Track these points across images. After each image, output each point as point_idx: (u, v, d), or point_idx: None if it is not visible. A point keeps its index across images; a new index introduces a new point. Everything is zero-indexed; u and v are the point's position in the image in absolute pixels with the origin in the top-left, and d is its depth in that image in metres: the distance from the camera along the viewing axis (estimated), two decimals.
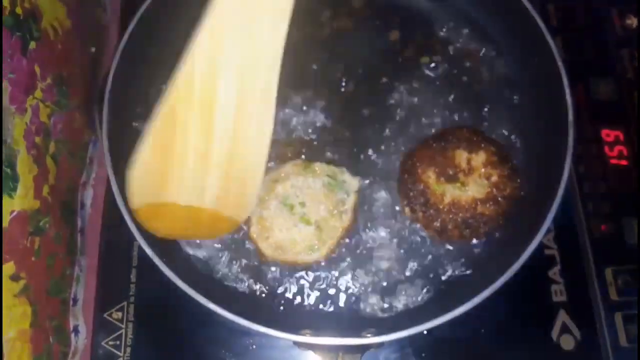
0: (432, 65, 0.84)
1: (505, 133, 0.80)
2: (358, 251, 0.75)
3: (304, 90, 0.82)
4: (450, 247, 0.75)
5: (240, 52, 0.59)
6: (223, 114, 0.61)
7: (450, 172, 0.73)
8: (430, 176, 0.73)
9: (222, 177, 0.65)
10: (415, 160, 0.75)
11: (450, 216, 0.72)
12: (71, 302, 0.81)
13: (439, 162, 0.74)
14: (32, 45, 0.72)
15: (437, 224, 0.72)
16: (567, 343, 0.77)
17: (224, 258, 0.75)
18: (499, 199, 0.72)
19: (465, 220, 0.72)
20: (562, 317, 0.78)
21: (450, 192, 0.72)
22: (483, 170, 0.73)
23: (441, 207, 0.72)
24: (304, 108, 0.81)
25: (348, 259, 0.75)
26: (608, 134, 0.87)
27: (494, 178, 0.73)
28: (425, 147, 0.76)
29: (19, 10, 0.69)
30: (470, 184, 0.73)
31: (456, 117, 0.81)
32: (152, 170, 0.63)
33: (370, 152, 0.80)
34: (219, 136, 0.62)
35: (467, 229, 0.72)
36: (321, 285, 0.74)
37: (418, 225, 0.75)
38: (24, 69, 0.70)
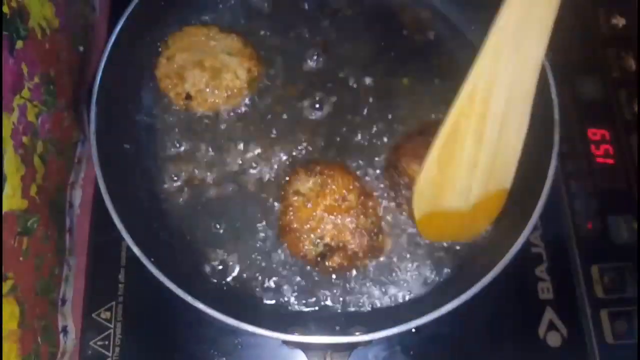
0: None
1: None
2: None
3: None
4: (436, 245, 0.75)
5: (511, 68, 0.65)
6: (493, 123, 0.67)
7: None
8: (415, 169, 0.74)
9: (484, 180, 0.70)
10: (400, 154, 0.75)
11: None
12: (59, 302, 0.80)
13: (423, 155, 0.74)
14: (20, 44, 0.71)
15: None
16: (554, 340, 0.78)
17: (212, 256, 0.75)
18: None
19: None
20: (549, 314, 0.79)
21: None
22: None
23: None
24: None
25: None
26: (594, 133, 0.88)
27: None
28: (409, 140, 0.76)
29: (5, 9, 0.68)
30: None
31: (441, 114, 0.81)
32: (433, 182, 0.69)
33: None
34: (487, 143, 0.67)
35: None
36: (310, 284, 0.74)
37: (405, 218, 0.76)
38: (11, 68, 0.69)
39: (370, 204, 0.74)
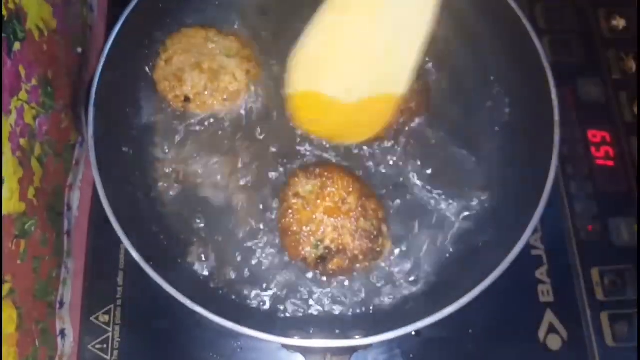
0: None
1: (493, 132, 0.81)
2: None
3: None
4: (436, 248, 0.75)
5: None
6: (382, 14, 0.62)
7: None
8: None
9: (372, 79, 0.65)
10: None
11: None
12: (58, 305, 0.80)
13: None
14: (17, 46, 0.71)
15: None
16: (554, 343, 0.78)
17: (210, 259, 0.75)
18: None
19: None
20: (549, 317, 0.79)
21: None
22: None
23: None
24: None
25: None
26: (594, 135, 0.88)
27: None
28: None
29: (3, 11, 0.68)
30: None
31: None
32: (312, 60, 0.65)
33: None
34: (379, 41, 0.63)
35: None
36: (310, 287, 0.74)
37: None
38: (8, 71, 0.69)
39: (371, 206, 0.74)
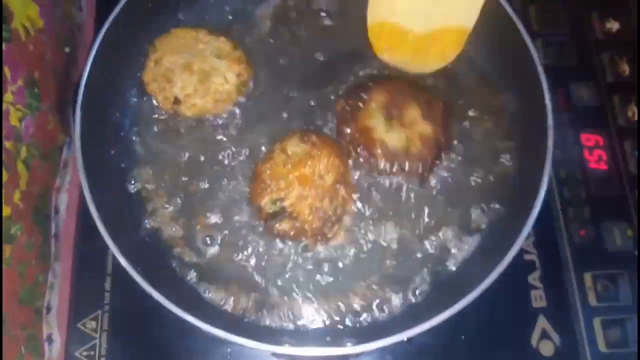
0: None
1: (486, 138, 0.80)
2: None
3: None
4: (430, 254, 0.74)
5: None
6: None
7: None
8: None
9: (444, 11, 0.74)
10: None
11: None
12: (45, 311, 0.79)
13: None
14: (2, 46, 0.69)
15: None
16: (547, 349, 0.77)
17: (200, 265, 0.74)
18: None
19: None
20: (542, 322, 0.78)
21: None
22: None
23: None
24: None
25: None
26: (588, 139, 0.87)
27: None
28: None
29: None
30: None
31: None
32: None
33: None
34: None
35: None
36: (302, 294, 0.73)
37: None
38: None
39: (342, 193, 0.73)
